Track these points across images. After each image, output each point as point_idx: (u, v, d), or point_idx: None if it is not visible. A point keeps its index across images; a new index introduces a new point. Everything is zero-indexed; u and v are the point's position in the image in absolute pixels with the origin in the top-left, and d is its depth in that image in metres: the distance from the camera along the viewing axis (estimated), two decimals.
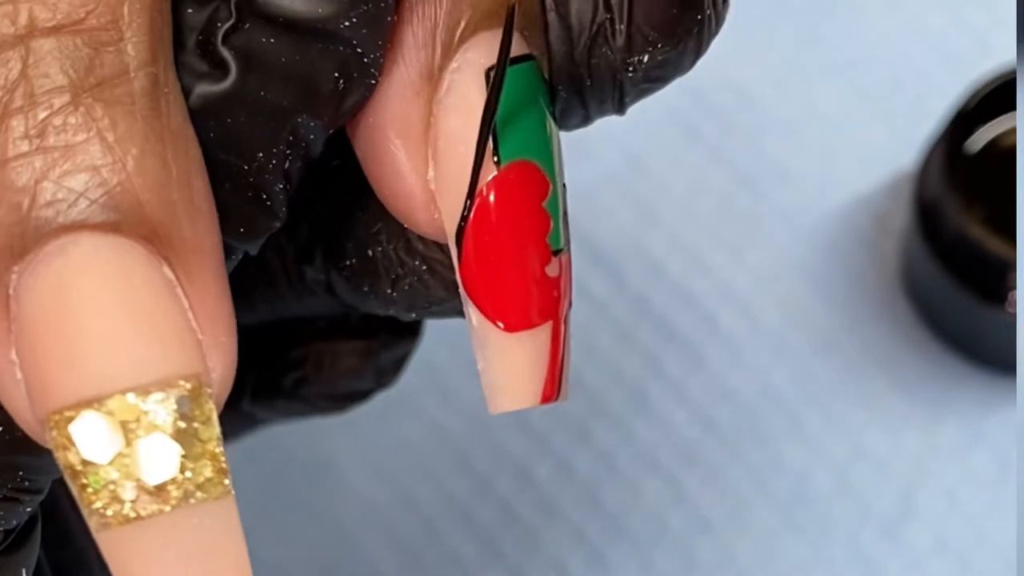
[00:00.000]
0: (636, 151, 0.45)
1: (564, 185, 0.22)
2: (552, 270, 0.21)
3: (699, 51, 0.22)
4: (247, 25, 0.19)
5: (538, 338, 0.21)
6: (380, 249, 0.23)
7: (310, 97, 0.19)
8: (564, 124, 0.22)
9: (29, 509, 0.20)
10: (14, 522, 0.20)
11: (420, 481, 0.42)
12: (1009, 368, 0.41)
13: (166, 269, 0.18)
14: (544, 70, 0.21)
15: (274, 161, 0.19)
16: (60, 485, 0.21)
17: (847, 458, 0.42)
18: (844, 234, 0.44)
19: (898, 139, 0.44)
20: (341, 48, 0.19)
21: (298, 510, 0.42)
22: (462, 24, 0.20)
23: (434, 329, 0.30)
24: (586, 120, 0.22)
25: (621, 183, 0.45)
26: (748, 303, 0.44)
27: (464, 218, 0.21)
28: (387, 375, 0.27)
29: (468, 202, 0.21)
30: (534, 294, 0.21)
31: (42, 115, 0.18)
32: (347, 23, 0.19)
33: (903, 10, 0.47)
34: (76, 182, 0.18)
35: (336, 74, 0.19)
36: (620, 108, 0.22)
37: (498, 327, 0.21)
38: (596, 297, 0.44)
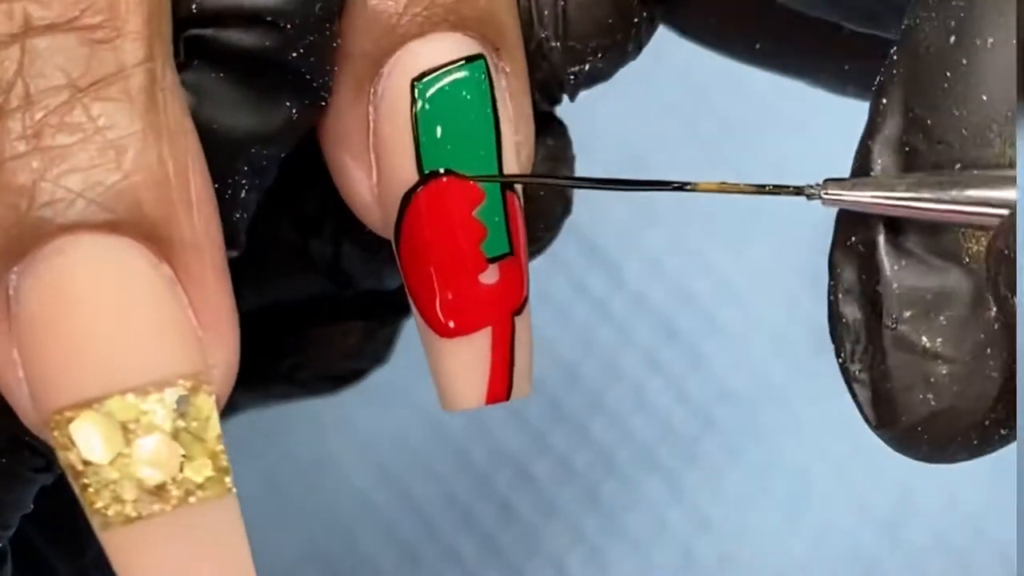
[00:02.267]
0: (636, 150, 0.45)
1: (512, 188, 0.21)
2: (488, 277, 0.21)
3: (640, 47, 0.22)
4: (196, 62, 0.19)
5: (476, 343, 0.21)
6: None
7: (263, 128, 0.20)
8: None
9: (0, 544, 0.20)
10: None
11: (419, 479, 0.42)
12: None
13: (165, 267, 0.18)
14: (499, 67, 0.21)
15: (230, 191, 0.20)
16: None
17: (846, 456, 0.42)
18: None
19: None
20: (291, 77, 0.20)
21: (297, 508, 0.42)
22: (390, 34, 0.20)
23: None
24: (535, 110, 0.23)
25: None
26: (747, 301, 0.44)
27: (396, 226, 0.21)
28: (382, 351, 0.27)
29: (398, 212, 0.21)
30: (466, 302, 0.21)
31: (39, 115, 0.18)
32: (295, 53, 0.19)
33: None
34: (74, 182, 0.18)
35: (288, 103, 0.20)
36: (571, 99, 0.23)
37: (436, 332, 0.21)
38: (595, 295, 0.44)
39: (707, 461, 0.42)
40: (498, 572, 0.41)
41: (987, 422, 0.19)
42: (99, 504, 0.18)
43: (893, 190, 0.19)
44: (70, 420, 0.18)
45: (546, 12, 0.22)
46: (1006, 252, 0.18)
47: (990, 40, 0.19)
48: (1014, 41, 0.19)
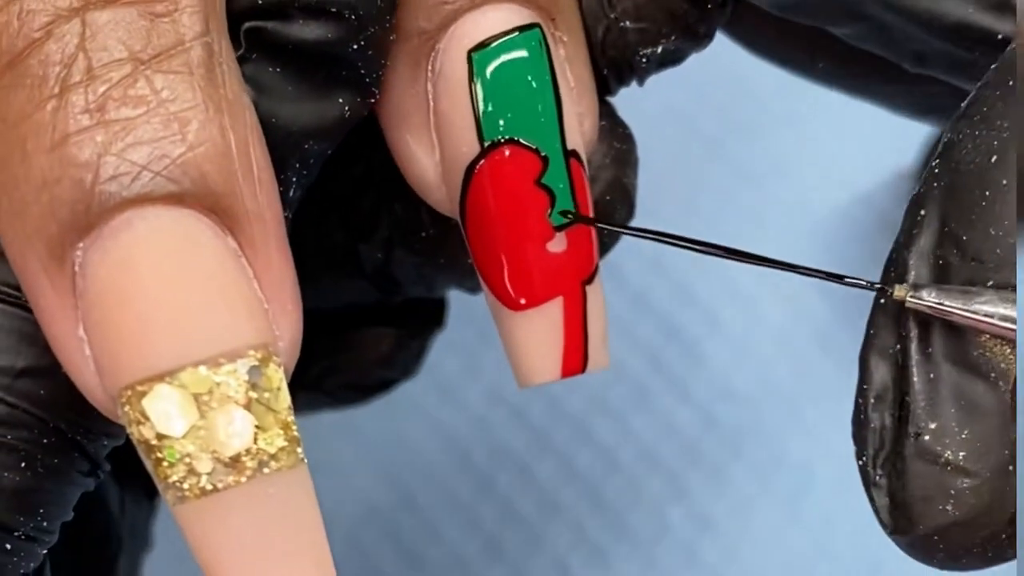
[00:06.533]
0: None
1: (576, 154, 0.21)
2: (556, 246, 0.21)
3: (712, 33, 0.22)
4: (255, 55, 0.19)
5: (549, 314, 0.21)
6: None
7: (318, 123, 0.19)
8: None
9: (43, 551, 0.20)
10: (32, 565, 0.20)
11: (421, 480, 0.42)
12: None
13: (230, 239, 0.18)
14: (556, 35, 0.21)
15: (281, 188, 0.19)
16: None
17: (849, 454, 0.42)
18: (844, 231, 0.44)
19: (898, 138, 0.44)
20: (346, 72, 0.19)
21: None
22: (443, 8, 0.20)
23: None
24: (608, 94, 0.23)
25: None
26: (749, 300, 0.44)
27: (461, 201, 0.21)
28: (412, 363, 0.26)
29: (461, 187, 0.21)
30: (535, 273, 0.21)
31: (101, 88, 0.17)
32: (355, 46, 0.19)
33: None
34: (138, 155, 0.17)
35: (340, 99, 0.19)
36: (640, 84, 0.23)
37: (506, 305, 0.21)
38: None
39: (710, 459, 0.42)
40: (501, 572, 0.41)
41: (1004, 536, 0.19)
42: (174, 478, 0.18)
43: (972, 302, 0.19)
44: (142, 394, 0.17)
45: None
46: None
47: None
48: None
